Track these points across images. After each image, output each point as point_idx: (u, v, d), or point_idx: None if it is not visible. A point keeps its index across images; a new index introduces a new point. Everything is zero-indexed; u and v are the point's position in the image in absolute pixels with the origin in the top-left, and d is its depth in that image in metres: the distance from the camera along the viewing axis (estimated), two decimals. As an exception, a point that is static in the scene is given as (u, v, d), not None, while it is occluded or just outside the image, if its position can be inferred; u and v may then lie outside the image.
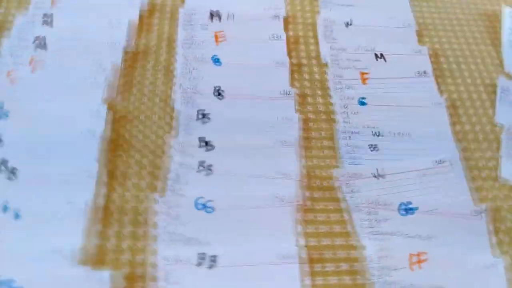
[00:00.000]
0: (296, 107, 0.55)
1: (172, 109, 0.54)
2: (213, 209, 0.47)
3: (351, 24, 0.65)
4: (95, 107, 0.51)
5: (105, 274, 0.41)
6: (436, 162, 0.51)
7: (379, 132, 0.54)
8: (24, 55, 0.55)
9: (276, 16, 0.64)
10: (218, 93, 0.56)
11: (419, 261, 0.46)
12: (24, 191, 0.45)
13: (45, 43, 0.56)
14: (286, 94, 0.56)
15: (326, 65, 0.60)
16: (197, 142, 0.51)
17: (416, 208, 0.49)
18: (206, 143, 0.51)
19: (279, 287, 0.43)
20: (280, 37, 0.62)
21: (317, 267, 0.45)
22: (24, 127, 0.50)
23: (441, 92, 0.59)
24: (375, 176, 0.51)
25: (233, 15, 0.63)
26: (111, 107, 0.52)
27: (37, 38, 0.56)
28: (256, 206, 0.47)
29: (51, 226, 0.44)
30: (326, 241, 0.47)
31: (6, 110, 0.51)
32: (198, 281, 0.43)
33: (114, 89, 0.54)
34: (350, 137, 0.54)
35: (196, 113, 0.54)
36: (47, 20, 0.59)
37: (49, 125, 0.50)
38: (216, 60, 0.58)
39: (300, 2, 0.66)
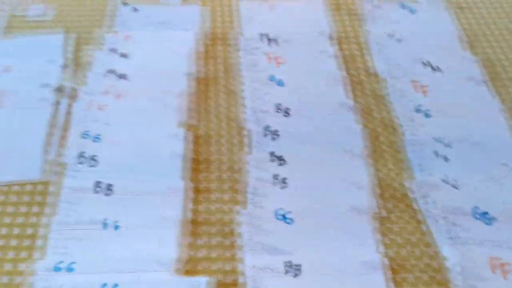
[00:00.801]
0: (361, 120, 0.59)
1: (243, 128, 0.58)
2: (292, 220, 0.50)
3: (401, 39, 0.69)
4: (174, 130, 0.57)
5: (202, 280, 0.45)
6: (504, 165, 0.53)
7: (446, 141, 0.57)
8: (107, 85, 0.62)
9: (329, 37, 0.68)
10: (284, 110, 0.60)
11: (503, 272, 0.47)
12: (121, 205, 0.51)
13: (125, 74, 0.63)
14: (348, 107, 0.60)
15: (384, 79, 0.64)
16: (269, 157, 0.56)
17: (494, 217, 0.50)
18: (278, 157, 0.55)
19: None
20: (336, 56, 0.66)
21: (399, 277, 0.47)
22: (115, 149, 0.56)
23: (502, 100, 0.61)
24: (447, 183, 0.53)
25: (288, 40, 0.68)
26: (188, 129, 0.57)
27: (116, 70, 0.63)
28: (333, 216, 0.51)
29: (148, 237, 0.48)
30: (405, 251, 0.49)
31: (98, 134, 0.57)
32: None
33: (190, 113, 0.59)
34: (419, 147, 0.57)
35: (265, 130, 0.58)
36: (123, 53, 0.66)
37: (136, 146, 0.56)
38: (279, 82, 0.63)
39: (349, 23, 0.71)
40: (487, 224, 0.50)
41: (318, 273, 0.47)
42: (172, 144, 0.56)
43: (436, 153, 0.55)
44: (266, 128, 0.58)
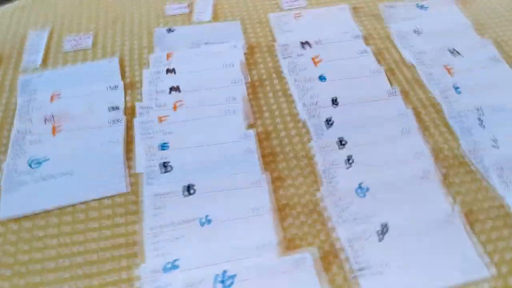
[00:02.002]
0: (404, 102, 0.66)
1: (299, 120, 0.64)
2: (368, 190, 0.56)
3: (421, 32, 0.77)
4: (242, 130, 0.62)
5: (306, 255, 0.50)
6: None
7: (482, 110, 0.65)
8: (162, 99, 0.66)
9: (357, 36, 0.76)
10: (333, 101, 0.67)
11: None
12: (207, 202, 0.55)
13: (178, 87, 0.68)
14: (392, 93, 0.67)
15: (413, 66, 0.72)
16: (330, 141, 0.61)
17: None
18: (340, 141, 0.61)
19: (447, 242, 0.51)
20: (366, 51, 0.74)
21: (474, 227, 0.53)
22: (184, 154, 0.60)
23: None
24: (490, 144, 0.61)
25: (320, 41, 0.76)
26: (250, 127, 0.63)
27: (168, 85, 0.68)
28: (403, 183, 0.57)
29: (243, 228, 0.52)
30: (474, 207, 0.55)
31: (165, 142, 0.61)
32: (377, 250, 0.51)
33: (250, 115, 0.65)
34: (458, 118, 0.64)
35: (321, 121, 0.64)
36: (170, 69, 0.71)
37: (207, 149, 0.60)
38: (322, 78, 0.70)
39: (369, 23, 0.80)
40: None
41: (401, 232, 0.52)
42: (245, 143, 0.61)
43: (474, 121, 0.64)
44: (320, 117, 0.64)
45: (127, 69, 0.72)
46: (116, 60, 0.73)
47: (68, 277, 0.49)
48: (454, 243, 0.52)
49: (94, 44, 0.76)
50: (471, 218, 0.54)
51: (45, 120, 0.63)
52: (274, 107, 0.66)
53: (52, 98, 0.66)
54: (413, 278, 0.49)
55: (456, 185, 0.57)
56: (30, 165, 0.58)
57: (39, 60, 0.73)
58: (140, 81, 0.70)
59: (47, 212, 0.54)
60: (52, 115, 0.64)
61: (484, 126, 0.63)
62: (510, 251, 0.51)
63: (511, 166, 0.58)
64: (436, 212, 0.54)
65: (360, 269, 0.50)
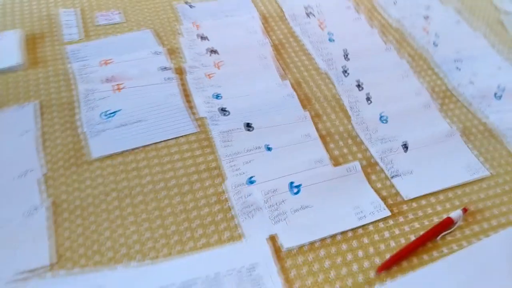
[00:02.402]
0: (398, 54, 0.83)
1: (323, 72, 0.79)
2: (387, 119, 0.71)
3: (396, 2, 0.95)
4: (278, 80, 0.75)
5: (355, 164, 0.64)
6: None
7: (460, 60, 0.84)
8: (204, 60, 0.77)
9: (348, 7, 0.93)
10: (344, 56, 0.82)
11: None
12: (263, 136, 0.67)
13: (216, 50, 0.79)
14: (388, 49, 0.84)
15: (398, 29, 0.89)
16: (350, 85, 0.76)
17: None
18: (358, 85, 0.77)
19: (452, 152, 0.68)
20: (360, 18, 0.90)
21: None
22: (236, 100, 0.72)
23: None
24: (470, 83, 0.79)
25: (320, 6, 0.91)
26: (284, 79, 0.76)
27: (206, 48, 0.79)
28: (412, 112, 0.73)
29: (299, 150, 0.66)
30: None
31: (218, 93, 0.72)
32: (403, 160, 0.66)
33: (280, 69, 0.78)
34: (441, 66, 0.82)
35: (339, 71, 0.79)
36: (203, 37, 0.82)
37: (253, 95, 0.72)
38: (330, 39, 0.85)
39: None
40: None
41: (419, 147, 0.68)
42: (284, 90, 0.74)
43: (452, 67, 0.82)
44: (338, 69, 0.79)
45: (163, 38, 0.82)
46: (150, 31, 0.82)
47: (165, 195, 0.59)
48: (458, 152, 0.69)
49: (125, 19, 0.85)
50: (465, 133, 0.71)
51: (106, 80, 0.72)
52: (299, 63, 0.80)
53: (105, 63, 0.75)
54: (433, 178, 0.65)
55: (450, 112, 0.75)
56: (104, 116, 0.67)
57: (79, 33, 0.80)
58: (179, 48, 0.80)
59: (132, 150, 0.64)
60: (112, 76, 0.73)
61: (459, 69, 0.82)
62: (500, 157, 0.69)
63: (485, 95, 0.77)
64: (439, 131, 0.71)
65: (392, 176, 0.65)
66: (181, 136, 0.66)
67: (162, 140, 0.66)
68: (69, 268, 0.52)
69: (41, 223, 0.54)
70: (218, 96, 0.73)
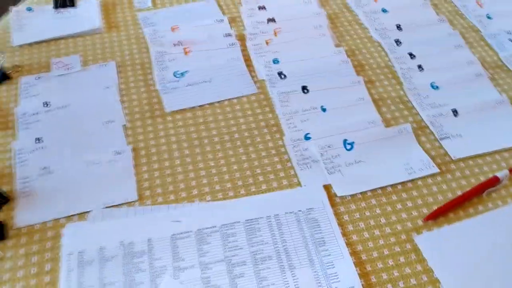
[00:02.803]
0: (450, 26, 0.86)
1: (376, 42, 0.83)
2: (438, 87, 0.75)
3: None
4: (333, 48, 0.80)
5: (406, 126, 0.69)
6: None
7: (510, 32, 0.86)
8: (263, 28, 0.83)
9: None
10: (397, 27, 0.85)
11: None
12: (319, 98, 0.73)
13: (273, 19, 0.85)
14: (441, 20, 0.87)
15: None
16: (405, 55, 0.80)
17: None
18: (411, 55, 0.80)
19: (500, 119, 0.71)
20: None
21: None
22: (292, 65, 0.77)
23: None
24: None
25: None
26: (339, 47, 0.81)
27: (264, 17, 0.85)
28: (464, 81, 0.76)
29: (352, 112, 0.71)
30: None
31: (276, 58, 0.78)
32: (452, 124, 0.70)
33: (335, 38, 0.83)
34: (494, 37, 0.84)
35: (392, 41, 0.83)
36: (261, 7, 0.88)
37: (309, 61, 0.78)
38: (383, 10, 0.89)
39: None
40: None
41: (468, 113, 0.72)
42: (338, 56, 0.79)
43: (504, 39, 0.84)
44: (390, 38, 0.83)
45: (223, 8, 0.88)
46: (213, 0, 0.89)
47: (229, 146, 0.66)
48: (507, 118, 0.72)
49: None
50: (514, 102, 0.75)
51: (174, 44, 0.79)
52: (352, 32, 0.85)
53: (173, 29, 0.82)
54: (481, 141, 0.69)
55: (502, 80, 0.77)
56: (175, 76, 0.74)
57: (149, 2, 0.88)
58: (239, 16, 0.86)
59: (200, 106, 0.71)
60: (179, 41, 0.80)
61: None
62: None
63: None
64: (489, 99, 0.74)
65: (442, 138, 0.69)
66: (243, 96, 0.73)
67: (226, 98, 0.73)
68: (149, 205, 0.60)
69: (127, 163, 0.63)
70: (276, 61, 0.78)
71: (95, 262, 0.53)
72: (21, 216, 0.57)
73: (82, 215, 0.57)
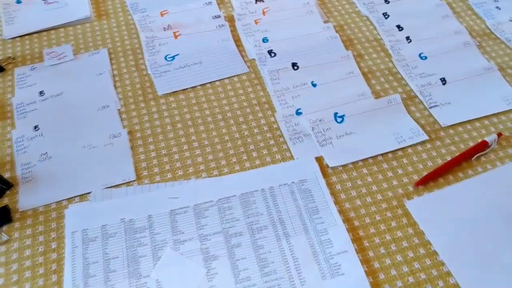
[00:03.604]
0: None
1: (364, 16, 0.85)
2: (427, 57, 0.78)
3: None
4: (322, 25, 0.83)
5: (396, 96, 0.72)
6: None
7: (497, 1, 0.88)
8: (251, 8, 0.86)
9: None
10: (385, 0, 0.88)
11: None
12: (309, 74, 0.76)
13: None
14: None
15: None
16: (393, 28, 0.83)
17: None
18: (399, 27, 0.83)
19: (488, 86, 0.74)
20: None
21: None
22: (281, 44, 0.80)
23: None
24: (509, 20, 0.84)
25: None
26: (328, 23, 0.84)
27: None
28: (451, 50, 0.79)
29: (342, 86, 0.74)
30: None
31: (265, 37, 0.81)
32: (441, 93, 0.73)
33: (323, 14, 0.85)
34: (481, 5, 0.87)
35: (380, 14, 0.85)
36: (249, -13, 0.91)
37: (298, 39, 0.81)
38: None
39: None
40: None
41: (456, 80, 0.75)
42: (327, 32, 0.82)
43: (491, 7, 0.88)
44: (378, 12, 0.86)
45: (211, -10, 0.91)
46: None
47: (223, 125, 0.70)
48: (495, 85, 0.75)
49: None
50: (503, 68, 0.77)
51: (164, 29, 0.82)
52: (340, 8, 0.88)
53: (162, 14, 0.85)
54: (470, 108, 0.72)
55: (489, 48, 0.80)
56: (166, 59, 0.77)
57: (137, -12, 0.91)
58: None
59: (192, 88, 0.74)
60: (169, 25, 0.83)
61: (500, 9, 0.87)
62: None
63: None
64: (478, 66, 0.77)
65: (431, 106, 0.72)
66: (234, 76, 0.76)
67: (218, 79, 0.76)
68: (147, 184, 0.63)
69: (124, 145, 0.66)
70: (266, 40, 0.81)
71: (98, 238, 0.56)
72: (25, 200, 0.60)
73: (83, 196, 0.61)
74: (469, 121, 0.70)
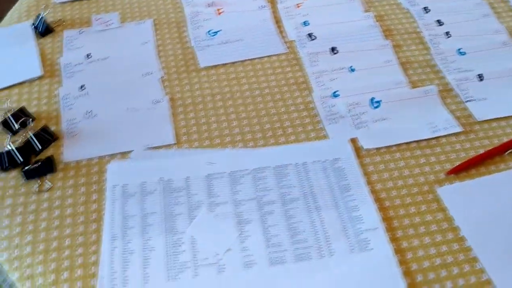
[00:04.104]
0: (482, -5, 0.89)
1: (405, 9, 0.87)
2: (464, 52, 0.79)
3: None
4: (362, 13, 0.85)
5: (432, 87, 0.73)
6: None
7: None
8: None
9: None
10: None
11: None
12: (348, 59, 0.77)
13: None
14: (471, -10, 0.90)
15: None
16: (433, 22, 0.84)
17: None
18: (439, 22, 0.84)
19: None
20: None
21: None
22: (321, 28, 0.82)
23: None
24: None
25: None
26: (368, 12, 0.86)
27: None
28: (488, 47, 0.80)
29: (380, 73, 0.75)
30: None
31: (306, 20, 0.83)
32: (478, 88, 0.74)
33: (364, 3, 0.87)
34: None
35: (420, 8, 0.86)
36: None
37: (339, 25, 0.82)
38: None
39: None
40: None
41: (494, 78, 0.75)
42: (366, 21, 0.83)
43: None
44: (419, 5, 0.87)
45: (256, -27, 0.93)
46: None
47: (260, 100, 0.72)
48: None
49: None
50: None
51: (208, 5, 0.84)
52: (381, -1, 0.89)
53: (206, -9, 0.88)
54: (506, 105, 0.72)
55: (528, 49, 0.81)
56: (209, 34, 0.80)
57: (182, -34, 0.94)
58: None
59: (232, 63, 0.76)
60: (213, 2, 0.85)
61: (543, 14, 0.87)
62: None
63: None
64: (514, 66, 0.78)
65: (467, 100, 0.73)
66: (273, 55, 0.78)
67: (257, 57, 0.78)
68: (186, 148, 0.66)
69: (165, 111, 0.69)
70: (306, 23, 0.83)
71: (137, 194, 0.59)
72: (69, 152, 0.63)
73: (124, 154, 0.64)
74: (504, 118, 0.71)
